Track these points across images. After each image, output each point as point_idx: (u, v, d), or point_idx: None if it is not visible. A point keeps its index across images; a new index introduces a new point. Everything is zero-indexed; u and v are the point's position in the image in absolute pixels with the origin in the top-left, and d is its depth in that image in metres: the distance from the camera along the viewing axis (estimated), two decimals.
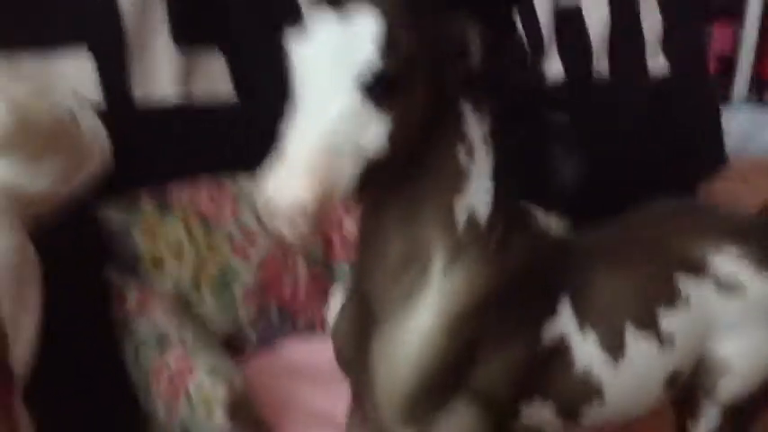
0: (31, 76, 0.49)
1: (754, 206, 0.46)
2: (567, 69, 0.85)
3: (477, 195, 0.33)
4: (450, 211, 0.32)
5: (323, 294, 0.58)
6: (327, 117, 0.27)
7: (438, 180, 0.32)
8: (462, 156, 0.32)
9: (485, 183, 0.33)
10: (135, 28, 0.54)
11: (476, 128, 0.32)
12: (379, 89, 0.27)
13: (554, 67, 0.84)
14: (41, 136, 0.42)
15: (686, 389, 0.39)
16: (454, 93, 0.31)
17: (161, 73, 0.56)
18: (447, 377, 0.33)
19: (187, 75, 0.57)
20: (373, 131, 0.28)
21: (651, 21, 0.97)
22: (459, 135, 0.32)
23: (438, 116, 0.30)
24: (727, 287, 0.37)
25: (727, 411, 0.39)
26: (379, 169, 0.29)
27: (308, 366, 0.53)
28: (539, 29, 0.84)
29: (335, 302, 0.56)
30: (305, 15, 0.29)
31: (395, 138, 0.28)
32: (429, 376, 0.33)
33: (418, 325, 0.33)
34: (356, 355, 0.35)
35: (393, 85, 0.28)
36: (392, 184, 0.31)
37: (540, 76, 0.32)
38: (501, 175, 0.34)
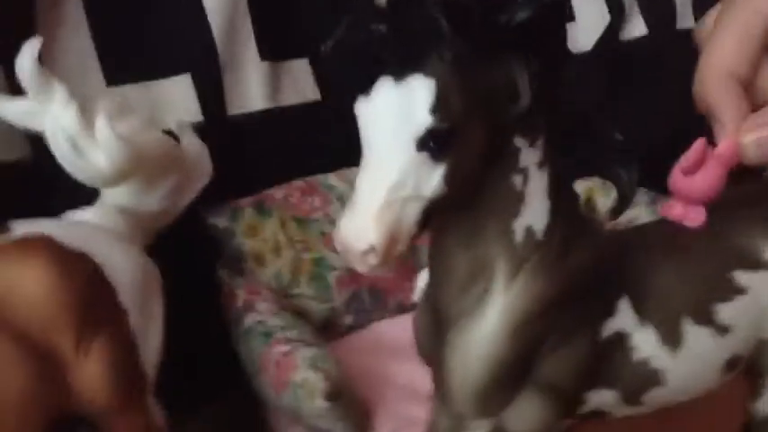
0: (138, 104, 0.55)
1: None
2: (650, 28, 0.84)
3: (534, 215, 0.36)
4: (508, 232, 0.35)
5: (410, 276, 0.62)
6: (390, 171, 0.31)
7: (496, 206, 0.35)
8: (518, 183, 0.35)
9: (541, 203, 0.36)
10: (226, 50, 0.58)
11: (530, 156, 0.35)
12: (435, 144, 0.31)
13: (636, 30, 0.83)
14: (152, 165, 0.48)
15: (747, 369, 0.42)
16: (508, 131, 0.34)
17: (251, 88, 0.60)
18: (513, 372, 0.37)
19: (275, 88, 0.61)
20: (432, 179, 0.32)
21: None
22: (514, 166, 0.34)
23: (493, 154, 0.34)
24: None
25: None
26: (439, 207, 0.33)
27: (399, 344, 0.57)
28: None
29: (421, 284, 0.60)
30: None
31: (452, 181, 0.32)
32: (497, 372, 0.37)
33: (486, 327, 0.36)
34: (433, 351, 0.40)
35: (447, 138, 0.31)
36: (454, 213, 0.35)
37: (593, 101, 0.34)
38: (558, 192, 0.37)
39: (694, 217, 0.39)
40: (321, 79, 0.64)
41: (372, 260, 0.32)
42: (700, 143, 0.38)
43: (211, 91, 0.59)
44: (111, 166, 0.45)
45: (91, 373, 0.41)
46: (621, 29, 0.82)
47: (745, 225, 0.40)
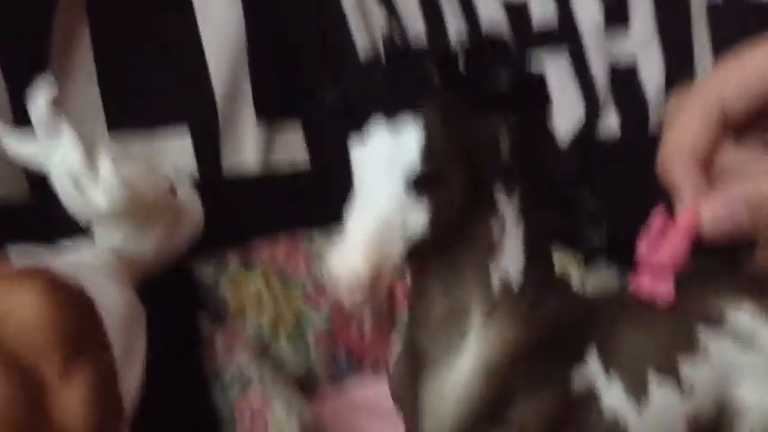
0: (138, 153, 0.57)
1: None
2: (623, 125, 0.89)
3: (510, 264, 0.38)
4: (485, 278, 0.38)
5: (386, 339, 0.63)
6: (379, 208, 0.34)
7: (474, 252, 0.37)
8: (496, 231, 0.37)
9: (517, 252, 0.38)
10: (225, 106, 0.61)
11: (508, 207, 0.38)
12: (421, 186, 0.34)
13: (611, 124, 0.89)
14: (147, 208, 0.50)
15: None
16: (488, 181, 0.37)
17: (246, 144, 0.63)
18: (486, 416, 0.38)
19: (268, 146, 0.64)
20: (417, 218, 0.34)
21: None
22: (493, 214, 0.37)
23: (474, 200, 0.36)
24: (744, 340, 0.42)
25: None
26: (422, 246, 0.35)
27: (373, 405, 0.58)
28: (593, 87, 0.89)
29: (396, 347, 0.62)
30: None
31: (435, 222, 0.34)
32: (470, 414, 0.38)
33: (460, 370, 0.38)
34: (408, 394, 0.41)
35: (433, 181, 0.34)
36: (435, 256, 0.38)
37: (571, 161, 0.37)
38: (534, 245, 0.39)
39: (664, 291, 0.42)
40: (311, 141, 0.67)
41: (358, 292, 0.34)
42: (660, 211, 0.41)
43: (208, 144, 0.62)
44: (110, 205, 0.47)
45: (71, 400, 0.41)
46: (596, 125, 0.87)
47: (709, 288, 0.43)
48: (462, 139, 0.35)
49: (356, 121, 0.36)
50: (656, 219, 0.41)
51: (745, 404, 0.42)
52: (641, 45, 0.92)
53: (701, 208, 0.41)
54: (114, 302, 0.46)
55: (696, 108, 0.43)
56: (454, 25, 0.81)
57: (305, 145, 0.68)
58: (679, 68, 0.93)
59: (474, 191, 0.36)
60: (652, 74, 0.92)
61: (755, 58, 0.43)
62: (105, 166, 0.47)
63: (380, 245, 0.34)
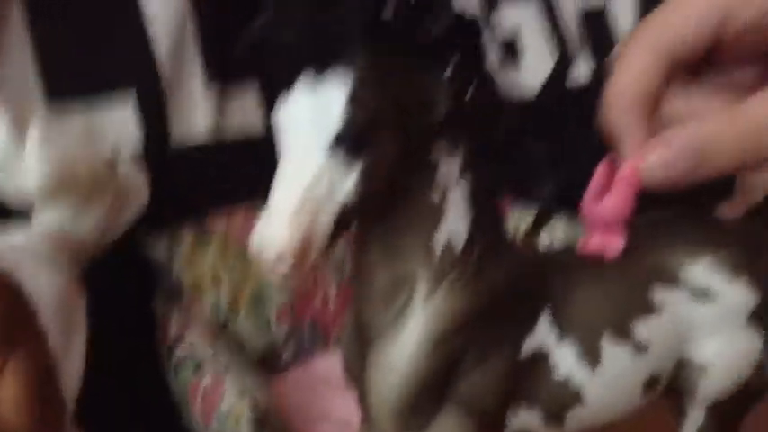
0: (78, 126, 0.54)
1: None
2: (595, 72, 0.87)
3: (453, 228, 0.36)
4: (427, 245, 0.35)
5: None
6: (304, 175, 0.31)
7: (414, 219, 0.35)
8: (436, 196, 0.35)
9: (461, 216, 0.36)
10: (170, 72, 0.58)
11: (449, 168, 0.35)
12: (347, 146, 0.31)
13: (583, 71, 0.86)
14: (83, 185, 0.47)
15: (671, 391, 0.42)
16: (423, 140, 0.34)
17: (195, 111, 0.60)
18: (433, 390, 0.36)
19: (220, 111, 0.61)
20: (345, 183, 0.32)
21: None
22: (432, 179, 0.35)
23: (409, 162, 0.34)
24: (700, 295, 0.40)
25: (710, 412, 0.41)
26: (352, 214, 0.33)
27: (338, 378, 0.57)
28: (564, 35, 0.86)
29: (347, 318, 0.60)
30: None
31: (365, 186, 0.32)
32: (417, 387, 0.36)
33: (405, 343, 0.36)
34: (356, 368, 0.39)
35: (359, 142, 0.31)
36: (373, 224, 0.35)
37: (513, 104, 0.34)
38: (479, 205, 0.37)
39: (614, 245, 0.39)
40: (268, 103, 0.64)
41: (285, 263, 0.31)
42: (603, 166, 0.38)
43: (154, 111, 0.59)
44: (40, 185, 0.44)
45: (6, 394, 0.39)
46: (566, 75, 0.84)
47: (664, 242, 0.41)
48: (391, 96, 0.32)
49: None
50: (600, 170, 0.38)
51: (706, 359, 0.40)
52: None
53: (644, 154, 0.38)
54: (47, 289, 0.43)
55: (640, 49, 0.40)
56: None
57: (261, 109, 0.65)
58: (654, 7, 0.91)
59: (409, 151, 0.34)
60: (624, 15, 0.88)
61: None
62: (33, 142, 0.44)
63: (306, 215, 0.31)
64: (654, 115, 0.40)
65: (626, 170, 0.38)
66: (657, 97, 0.40)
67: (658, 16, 0.41)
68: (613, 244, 0.39)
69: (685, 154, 0.36)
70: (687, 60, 0.40)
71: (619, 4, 0.88)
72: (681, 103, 0.42)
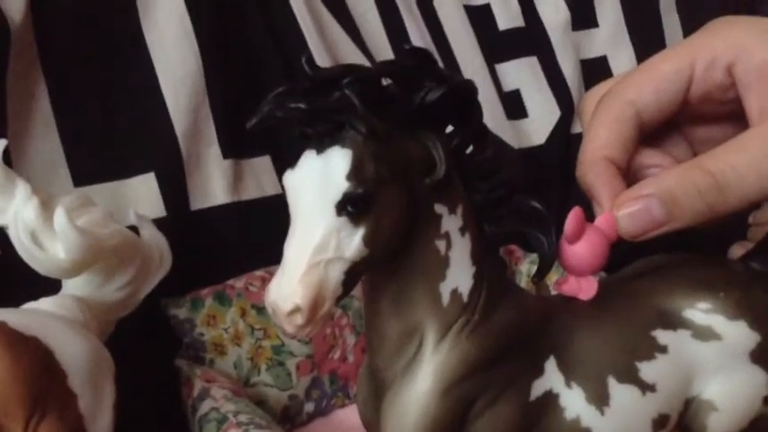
0: (104, 202, 0.57)
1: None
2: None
3: (459, 277, 0.38)
4: (435, 295, 0.37)
5: None
6: (313, 235, 0.34)
7: (422, 270, 0.37)
8: (442, 248, 0.37)
9: (466, 266, 0.38)
10: (189, 150, 0.61)
11: (452, 222, 0.37)
12: (352, 208, 0.33)
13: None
14: (111, 254, 0.50)
15: (680, 428, 0.43)
16: (425, 198, 0.36)
17: (214, 186, 0.63)
18: None
19: (236, 183, 0.64)
20: (353, 241, 0.34)
21: None
22: (437, 231, 0.37)
23: (414, 219, 0.36)
24: (702, 332, 0.41)
25: None
26: (363, 269, 0.35)
27: (359, 429, 0.58)
28: (566, 85, 0.88)
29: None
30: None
31: (372, 243, 0.34)
32: None
33: (418, 390, 0.37)
34: (373, 417, 0.41)
35: (364, 203, 0.34)
36: (383, 276, 0.37)
37: (518, 169, 0.37)
38: (482, 256, 0.39)
39: (587, 289, 0.41)
40: (281, 172, 0.67)
41: (298, 320, 0.34)
42: (575, 212, 0.40)
43: (175, 188, 0.62)
44: (69, 258, 0.47)
45: None
46: (572, 123, 0.87)
47: (665, 287, 0.42)
48: (392, 159, 0.35)
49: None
50: (571, 221, 0.40)
51: (713, 397, 0.41)
52: (610, 41, 0.92)
53: (616, 206, 0.41)
54: (76, 352, 0.45)
55: (610, 113, 0.44)
56: (417, 37, 0.81)
57: (276, 179, 0.68)
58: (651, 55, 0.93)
59: (411, 209, 0.36)
60: (622, 63, 0.91)
61: (665, 64, 0.43)
62: (60, 216, 0.47)
63: (317, 272, 0.34)
64: (627, 169, 0.43)
65: (601, 220, 0.41)
66: (628, 155, 0.44)
67: (626, 80, 0.44)
68: (587, 287, 0.41)
69: (655, 202, 0.39)
70: (655, 121, 0.44)
71: (618, 54, 0.91)
72: (653, 159, 0.45)
